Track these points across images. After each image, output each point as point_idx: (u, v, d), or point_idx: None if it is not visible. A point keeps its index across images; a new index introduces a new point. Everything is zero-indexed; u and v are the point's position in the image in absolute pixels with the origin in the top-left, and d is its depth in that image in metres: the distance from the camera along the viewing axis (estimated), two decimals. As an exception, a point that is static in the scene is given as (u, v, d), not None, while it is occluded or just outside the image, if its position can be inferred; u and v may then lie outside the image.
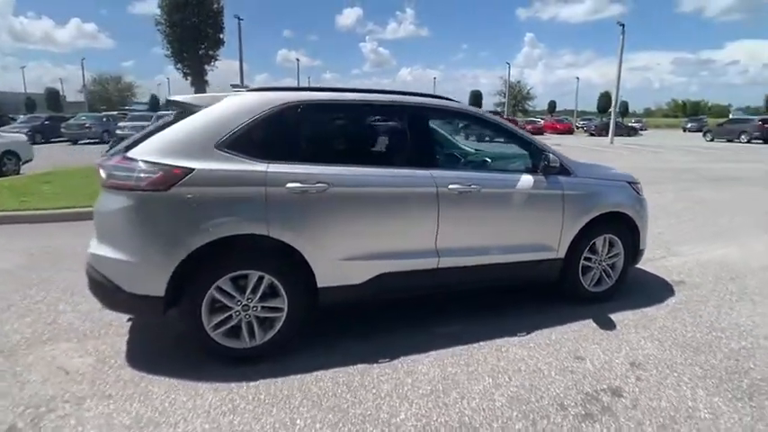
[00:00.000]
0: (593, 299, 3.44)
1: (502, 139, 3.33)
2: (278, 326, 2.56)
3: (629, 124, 42.98)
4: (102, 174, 2.41)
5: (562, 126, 40.58)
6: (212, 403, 2.18)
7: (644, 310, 3.37)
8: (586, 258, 3.37)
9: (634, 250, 3.57)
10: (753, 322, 3.18)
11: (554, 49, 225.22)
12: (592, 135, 37.15)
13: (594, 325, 3.10)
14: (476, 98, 64.06)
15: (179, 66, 10.81)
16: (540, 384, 2.39)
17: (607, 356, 2.69)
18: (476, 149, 3.98)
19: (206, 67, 11.35)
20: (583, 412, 2.17)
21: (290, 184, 2.44)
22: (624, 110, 70.83)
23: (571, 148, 19.15)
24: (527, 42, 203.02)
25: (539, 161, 3.11)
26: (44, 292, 3.51)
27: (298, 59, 55.03)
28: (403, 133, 2.87)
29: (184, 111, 2.60)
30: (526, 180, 3.04)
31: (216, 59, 11.44)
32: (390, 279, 2.74)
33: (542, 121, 40.42)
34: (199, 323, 2.40)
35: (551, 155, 3.10)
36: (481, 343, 2.82)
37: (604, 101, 61.35)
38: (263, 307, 2.51)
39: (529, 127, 32.60)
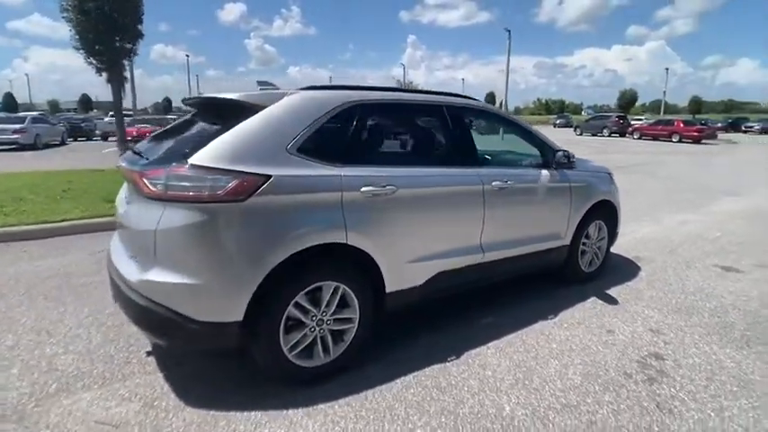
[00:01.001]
0: (587, 279, 3.87)
1: (515, 136, 3.54)
2: (349, 338, 2.43)
3: (512, 121, 48.21)
4: (151, 184, 2.03)
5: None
6: (316, 429, 2.01)
7: (628, 284, 3.88)
8: (583, 243, 3.77)
9: (613, 233, 4.09)
10: (709, 285, 3.88)
11: (434, 52, 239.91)
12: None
13: (601, 302, 3.49)
14: None
15: (91, 60, 9.14)
16: (597, 359, 2.65)
17: (629, 327, 3.07)
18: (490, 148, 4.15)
19: (124, 61, 9.77)
20: (645, 377, 2.47)
21: (364, 188, 2.33)
22: (503, 109, 78.77)
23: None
24: (410, 44, 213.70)
25: (551, 156, 3.40)
26: (11, 334, 2.81)
27: (188, 56, 50.62)
28: (450, 132, 2.91)
29: (230, 110, 2.30)
30: (545, 174, 3.29)
31: (135, 54, 9.91)
32: (444, 277, 2.77)
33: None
34: (276, 345, 2.18)
35: (561, 150, 3.41)
36: (525, 329, 3.00)
37: (488, 100, 67.60)
38: (335, 320, 2.37)
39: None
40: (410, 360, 2.59)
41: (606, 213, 3.92)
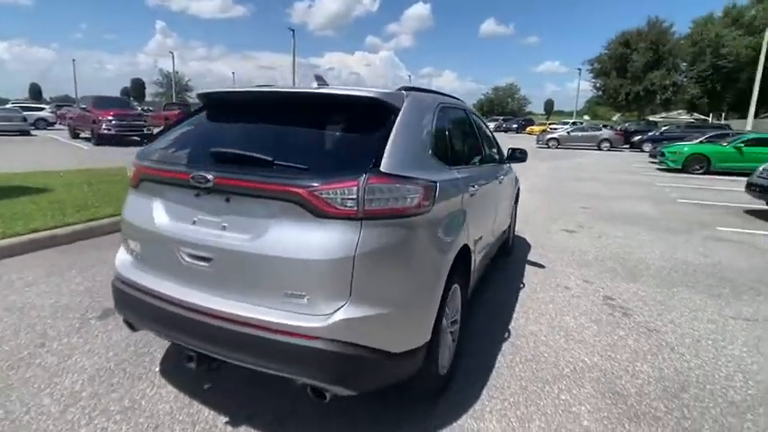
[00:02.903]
0: (511, 252, 4.90)
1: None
2: (456, 338, 2.55)
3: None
4: (339, 202, 1.65)
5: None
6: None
7: (548, 255, 5.08)
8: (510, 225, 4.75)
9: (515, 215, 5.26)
10: (569, 243, 5.48)
11: (186, 41, 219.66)
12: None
13: (534, 267, 4.53)
14: (138, 88, 57.31)
15: None
16: (578, 302, 3.56)
17: (583, 290, 4.14)
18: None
19: None
20: (602, 298, 3.51)
21: (470, 188, 2.50)
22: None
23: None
24: (159, 30, 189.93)
25: (502, 152, 4.16)
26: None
27: None
28: (476, 133, 3.28)
29: (359, 109, 2.02)
30: (508, 167, 4.06)
31: None
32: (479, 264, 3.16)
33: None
34: (436, 357, 2.15)
35: (511, 148, 4.24)
36: (520, 308, 3.70)
37: None
38: (451, 322, 2.47)
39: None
40: (479, 367, 2.90)
41: (516, 198, 5.02)
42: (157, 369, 2.45)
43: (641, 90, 36.19)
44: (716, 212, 7.87)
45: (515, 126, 46.41)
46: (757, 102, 26.17)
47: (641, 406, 2.29)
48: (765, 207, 7.89)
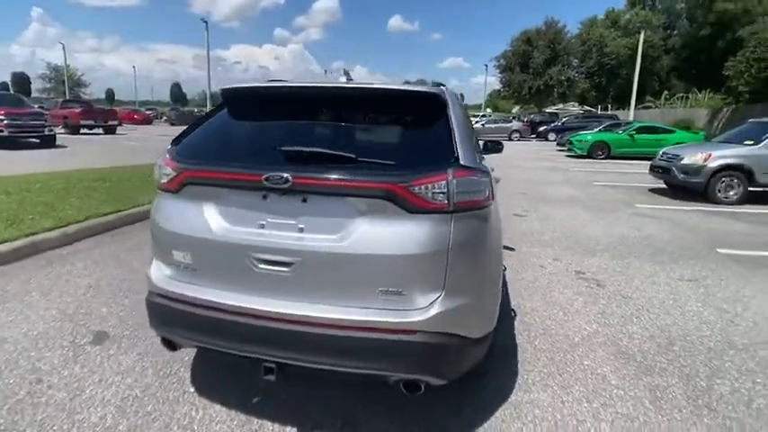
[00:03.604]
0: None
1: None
2: None
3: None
4: (431, 196, 1.69)
5: (140, 116, 39.22)
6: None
7: (512, 239, 5.45)
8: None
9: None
10: (524, 225, 5.97)
11: (72, 30, 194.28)
12: (173, 124, 37.41)
13: (516, 252, 4.88)
14: (22, 83, 50.23)
15: None
16: (560, 278, 3.94)
17: (556, 267, 4.55)
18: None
19: None
20: (575, 273, 3.94)
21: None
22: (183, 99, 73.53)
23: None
24: (36, 18, 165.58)
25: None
26: None
27: None
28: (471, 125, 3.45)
29: (415, 104, 2.04)
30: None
31: None
32: None
33: (119, 110, 36.61)
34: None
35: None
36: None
37: (176, 90, 62.03)
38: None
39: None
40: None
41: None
42: (192, 389, 2.27)
43: (542, 84, 39.71)
44: (628, 192, 9.04)
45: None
46: (636, 94, 30.18)
47: (648, 361, 2.65)
48: (664, 186, 9.25)
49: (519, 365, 2.58)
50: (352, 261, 1.70)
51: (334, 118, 2.06)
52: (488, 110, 61.06)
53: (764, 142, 7.75)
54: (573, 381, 2.44)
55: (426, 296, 1.72)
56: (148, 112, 42.87)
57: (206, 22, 30.83)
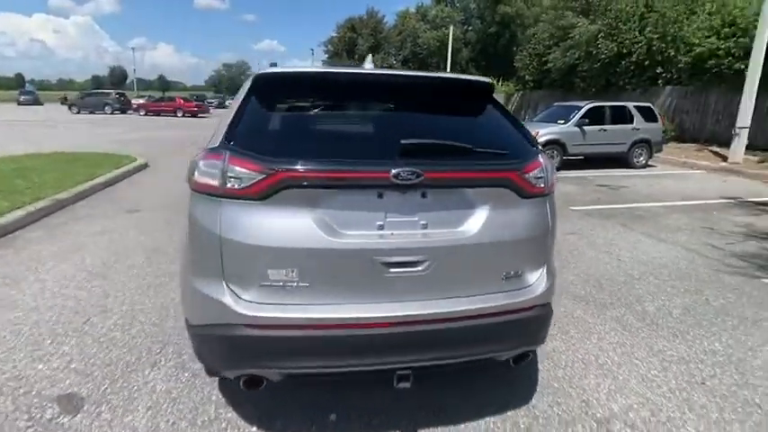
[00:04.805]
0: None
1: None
2: None
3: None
4: (540, 181, 1.87)
5: None
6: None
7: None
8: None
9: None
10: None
11: None
12: None
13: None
14: None
15: None
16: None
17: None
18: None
19: None
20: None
21: None
22: None
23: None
24: None
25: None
26: None
27: None
28: None
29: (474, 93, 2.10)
30: None
31: None
32: None
33: None
34: None
35: None
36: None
37: None
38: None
39: None
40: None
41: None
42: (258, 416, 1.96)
43: (368, 70, 41.94)
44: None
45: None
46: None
47: (597, 300, 3.37)
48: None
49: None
50: (481, 250, 1.76)
51: (407, 107, 2.00)
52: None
53: (571, 121, 10.04)
54: (567, 326, 2.96)
55: (535, 273, 1.91)
56: None
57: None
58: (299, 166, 1.61)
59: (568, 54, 19.20)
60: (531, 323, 1.89)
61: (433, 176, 1.68)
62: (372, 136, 1.89)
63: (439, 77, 2.12)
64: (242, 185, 1.61)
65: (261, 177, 1.60)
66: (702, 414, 2.13)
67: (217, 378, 2.23)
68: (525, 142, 1.98)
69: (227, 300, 1.63)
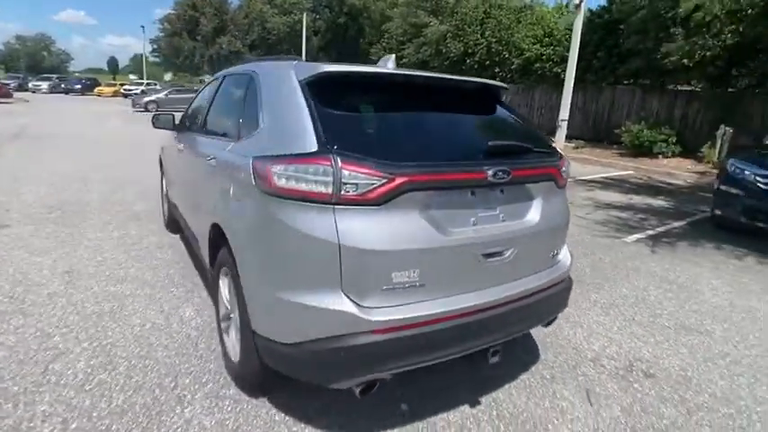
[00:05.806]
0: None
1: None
2: None
3: None
4: (566, 174, 2.28)
5: None
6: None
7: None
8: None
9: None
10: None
11: None
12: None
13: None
14: None
15: None
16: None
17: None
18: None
19: None
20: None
21: None
22: None
23: None
24: None
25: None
26: None
27: None
28: None
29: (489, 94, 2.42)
30: None
31: None
32: None
33: None
34: None
35: None
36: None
37: None
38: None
39: None
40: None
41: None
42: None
43: (214, 54, 38.60)
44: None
45: (79, 86, 39.30)
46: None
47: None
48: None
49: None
50: (542, 235, 2.11)
51: (452, 109, 2.23)
52: (131, 75, 53.74)
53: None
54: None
55: (561, 249, 2.34)
56: None
57: None
58: (416, 170, 1.68)
59: (421, 51, 21.01)
60: (564, 291, 2.33)
61: (516, 174, 1.93)
62: (456, 138, 2.09)
63: (482, 82, 2.37)
64: (360, 191, 1.60)
65: (381, 182, 1.61)
66: (651, 334, 2.91)
67: (262, 397, 2.13)
68: (547, 139, 2.41)
69: (349, 308, 1.63)
